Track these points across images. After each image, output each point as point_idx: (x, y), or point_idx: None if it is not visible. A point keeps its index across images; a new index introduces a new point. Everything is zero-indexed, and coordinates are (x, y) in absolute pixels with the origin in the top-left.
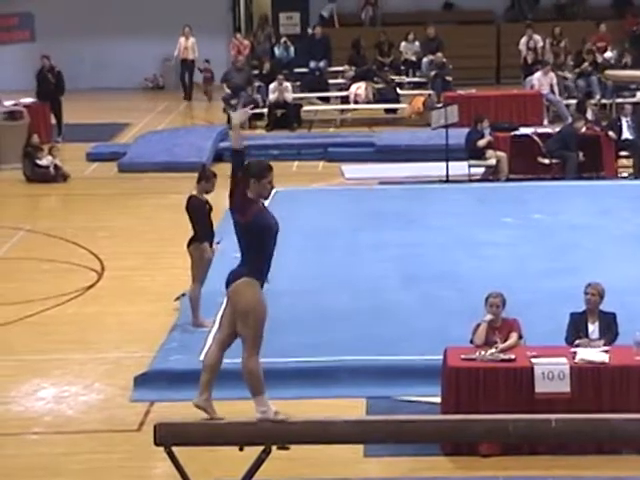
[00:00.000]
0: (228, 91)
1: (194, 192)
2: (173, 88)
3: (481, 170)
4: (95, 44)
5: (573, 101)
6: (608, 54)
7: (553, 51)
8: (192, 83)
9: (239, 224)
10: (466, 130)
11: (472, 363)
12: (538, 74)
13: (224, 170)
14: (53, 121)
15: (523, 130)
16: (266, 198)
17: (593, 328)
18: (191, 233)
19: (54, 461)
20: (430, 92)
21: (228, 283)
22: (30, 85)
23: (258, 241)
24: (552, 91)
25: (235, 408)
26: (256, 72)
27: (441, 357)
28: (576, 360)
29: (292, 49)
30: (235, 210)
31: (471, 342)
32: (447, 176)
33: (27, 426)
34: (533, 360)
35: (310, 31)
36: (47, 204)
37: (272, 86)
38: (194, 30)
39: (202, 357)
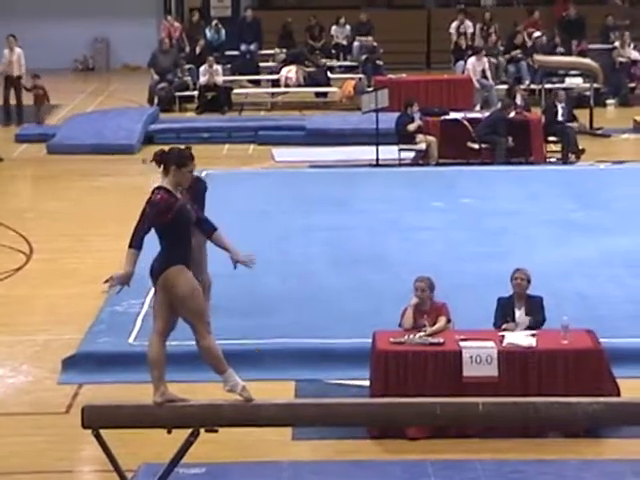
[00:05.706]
0: (156, 77)
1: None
2: (103, 70)
3: (411, 154)
4: (24, 24)
5: (503, 86)
6: (538, 33)
7: (483, 37)
8: (21, 103)
9: (157, 224)
10: (396, 114)
11: (400, 347)
12: (472, 59)
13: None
14: None
15: (453, 115)
16: (184, 187)
17: (520, 313)
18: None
19: None
20: (361, 76)
21: (154, 274)
22: None
23: (179, 234)
24: (484, 76)
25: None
26: (183, 54)
27: (370, 341)
28: (504, 344)
29: (223, 32)
30: (153, 217)
31: (400, 326)
32: (377, 160)
33: None
34: (461, 344)
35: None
36: None
37: (202, 69)
38: (124, 12)
39: (131, 340)
